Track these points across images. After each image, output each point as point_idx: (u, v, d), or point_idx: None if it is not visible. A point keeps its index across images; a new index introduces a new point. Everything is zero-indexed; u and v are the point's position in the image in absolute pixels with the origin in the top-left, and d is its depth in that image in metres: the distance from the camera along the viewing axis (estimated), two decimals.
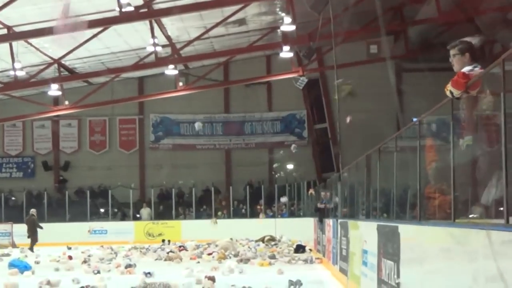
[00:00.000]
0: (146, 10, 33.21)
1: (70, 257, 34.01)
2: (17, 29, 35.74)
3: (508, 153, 6.53)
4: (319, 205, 34.14)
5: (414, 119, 11.94)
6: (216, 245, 39.01)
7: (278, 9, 39.96)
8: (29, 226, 44.45)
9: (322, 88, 43.92)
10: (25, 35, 36.22)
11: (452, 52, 10.07)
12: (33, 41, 38.50)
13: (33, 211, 46.45)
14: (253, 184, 55.08)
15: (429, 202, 11.20)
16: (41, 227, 44.17)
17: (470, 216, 9.13)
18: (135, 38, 41.94)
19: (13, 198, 56.88)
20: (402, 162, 13.57)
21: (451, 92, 8.78)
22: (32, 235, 43.98)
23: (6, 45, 37.67)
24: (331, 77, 41.24)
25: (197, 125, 52.19)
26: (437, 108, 10.02)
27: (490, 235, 7.03)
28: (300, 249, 35.80)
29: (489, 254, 6.91)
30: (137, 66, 44.45)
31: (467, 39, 10.41)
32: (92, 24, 34.78)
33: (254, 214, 53.30)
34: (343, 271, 20.48)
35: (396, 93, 45.67)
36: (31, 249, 42.57)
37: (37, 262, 30.81)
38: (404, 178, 13.16)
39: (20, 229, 51.40)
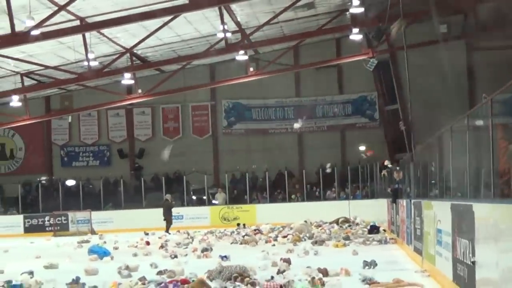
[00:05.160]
0: None
1: (147, 243, 34.30)
2: (89, 20, 36.01)
3: None
4: (392, 187, 34.03)
5: (484, 96, 11.73)
6: (291, 228, 39.00)
7: None
8: (164, 210, 46.55)
9: (392, 69, 43.61)
10: (98, 26, 36.51)
11: None
12: (105, 31, 38.77)
13: (167, 196, 48.95)
14: (325, 167, 54.93)
15: (502, 180, 11.07)
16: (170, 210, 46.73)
17: None
18: (205, 25, 42.03)
19: (90, 186, 57.40)
20: (474, 140, 13.43)
21: None
22: (168, 218, 46.27)
23: (79, 36, 38.04)
24: (401, 58, 40.97)
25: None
26: (508, 86, 9.87)
27: None
28: (374, 230, 35.72)
29: None
30: (207, 53, 44.57)
31: None
32: (162, 12, 34.98)
33: (327, 197, 53.28)
34: (417, 250, 20.39)
35: (467, 71, 45.35)
36: (167, 231, 44.52)
37: (116, 248, 31.15)
38: (477, 156, 13.01)
39: (98, 216, 52.40)
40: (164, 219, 46.44)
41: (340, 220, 43.92)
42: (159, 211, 47.67)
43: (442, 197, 16.69)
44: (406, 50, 33.28)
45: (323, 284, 16.02)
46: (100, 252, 28.12)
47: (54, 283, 17.98)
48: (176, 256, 26.52)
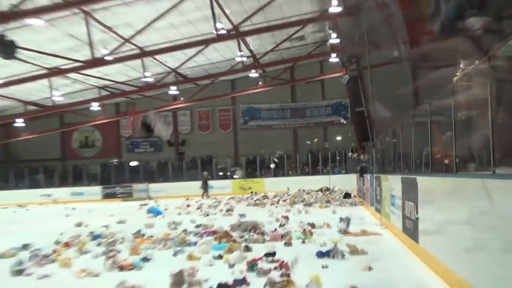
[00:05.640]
0: (234, 32, 33.27)
1: (188, 205, 34.28)
2: (146, 49, 36.10)
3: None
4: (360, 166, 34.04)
5: (424, 101, 11.82)
6: (289, 194, 39.12)
7: (327, 28, 39.79)
8: (203, 182, 46.99)
9: (360, 82, 43.56)
10: (152, 53, 36.61)
11: None
12: (157, 57, 38.88)
13: (205, 173, 49.75)
14: (313, 152, 55.09)
15: (437, 160, 11.11)
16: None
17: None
18: (228, 52, 42.06)
19: (148, 166, 57.62)
20: (418, 132, 13.46)
21: None
22: (204, 188, 46.64)
23: (138, 61, 38.19)
24: (366, 75, 40.93)
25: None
26: (440, 95, 9.95)
27: (479, 182, 6.96)
28: (347, 195, 35.63)
29: (478, 195, 6.83)
30: (229, 72, 44.64)
31: None
32: (198, 43, 35.11)
33: (314, 172, 53.43)
34: (377, 210, 20.39)
35: (412, 83, 45.28)
36: (202, 197, 44.84)
37: (166, 209, 31.14)
38: (419, 144, 13.05)
39: (153, 187, 52.86)
40: (202, 188, 46.63)
41: (323, 189, 43.85)
42: (196, 183, 47.80)
43: (395, 172, 16.70)
44: (369, 69, 33.33)
45: (311, 233, 16.06)
46: (155, 212, 28.29)
47: (124, 233, 18.04)
48: (208, 215, 26.72)
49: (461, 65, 9.83)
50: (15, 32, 28.08)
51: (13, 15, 23.57)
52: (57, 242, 16.51)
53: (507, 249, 5.67)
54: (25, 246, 15.79)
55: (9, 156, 60.63)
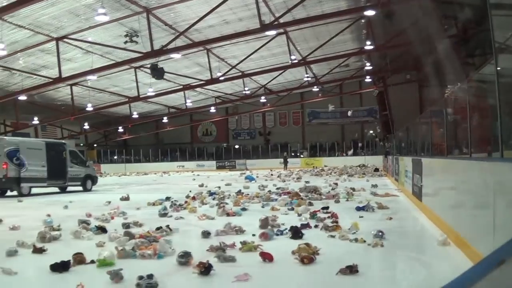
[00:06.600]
0: (303, 61, 33.20)
1: (272, 174, 34.37)
2: (246, 72, 36.39)
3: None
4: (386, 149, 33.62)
5: (428, 110, 11.75)
6: (338, 168, 39.07)
7: (363, 59, 39.27)
8: (284, 160, 47.88)
9: (385, 95, 42.97)
10: (249, 75, 36.88)
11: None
12: (253, 77, 39.07)
13: (285, 153, 50.22)
14: (356, 140, 54.58)
15: (436, 147, 11.03)
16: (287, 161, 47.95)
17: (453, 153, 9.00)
18: (297, 74, 41.88)
19: (245, 148, 57.97)
20: (423, 130, 13.33)
21: None
22: (285, 163, 47.16)
23: (240, 80, 38.57)
24: (389, 90, 40.35)
25: (330, 107, 52.13)
26: (436, 105, 9.86)
27: (461, 163, 6.98)
28: (376, 170, 35.19)
29: (460, 171, 6.86)
30: (299, 87, 44.52)
31: None
32: (279, 69, 35.26)
33: (355, 154, 53.02)
34: (396, 180, 20.16)
35: (418, 97, 44.40)
36: (284, 169, 45.01)
37: (257, 176, 31.26)
38: (424, 136, 12.93)
39: (249, 162, 53.49)
40: (283, 163, 46.83)
41: (361, 165, 43.33)
42: (277, 160, 48.05)
43: (408, 155, 16.54)
44: (391, 86, 32.88)
45: (352, 195, 15.99)
46: (250, 178, 28.43)
47: (230, 192, 18.32)
48: (284, 181, 26.67)
49: (448, 86, 9.78)
50: (163, 62, 28.84)
51: (162, 51, 24.17)
52: (187, 196, 16.79)
53: (477, 206, 5.73)
54: (167, 198, 16.13)
55: (158, 141, 62.11)
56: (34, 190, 21.19)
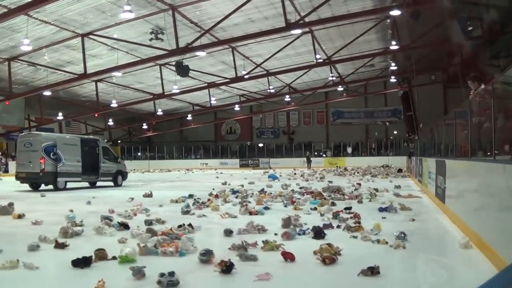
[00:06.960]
0: (328, 61, 33.09)
1: (295, 173, 34.33)
2: (270, 71, 36.46)
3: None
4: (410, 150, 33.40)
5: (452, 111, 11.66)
6: (361, 168, 38.91)
7: (389, 59, 38.99)
8: (307, 159, 47.80)
9: (410, 95, 42.54)
10: (274, 73, 36.83)
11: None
12: (278, 76, 39.02)
13: (308, 153, 50.50)
14: (378, 140, 54.32)
15: (460, 149, 10.93)
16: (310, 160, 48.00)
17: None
18: (323, 73, 41.66)
19: (269, 147, 58.11)
20: (447, 131, 13.21)
21: None
22: (308, 162, 47.12)
23: (265, 78, 38.58)
24: (414, 91, 40.04)
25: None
26: (461, 106, 9.78)
27: (484, 164, 6.93)
28: (400, 171, 34.96)
29: (484, 173, 6.80)
30: (324, 86, 44.25)
31: None
32: (303, 68, 35.19)
33: (378, 154, 52.93)
34: (420, 181, 19.99)
35: (443, 96, 43.98)
36: (307, 168, 45.54)
37: (280, 175, 31.25)
38: (448, 138, 12.82)
39: (272, 161, 53.76)
40: (306, 162, 46.82)
41: (384, 165, 43.16)
42: (301, 159, 48.10)
43: (431, 156, 16.39)
44: (416, 87, 32.64)
45: (375, 195, 15.93)
46: (274, 177, 28.41)
47: (253, 190, 18.36)
48: (307, 180, 26.60)
49: (472, 87, 9.63)
50: (188, 60, 28.97)
51: (187, 49, 24.32)
52: (210, 194, 16.82)
53: (501, 209, 5.69)
54: (190, 196, 16.19)
55: (182, 138, 62.54)
56: (69, 185, 21.89)
